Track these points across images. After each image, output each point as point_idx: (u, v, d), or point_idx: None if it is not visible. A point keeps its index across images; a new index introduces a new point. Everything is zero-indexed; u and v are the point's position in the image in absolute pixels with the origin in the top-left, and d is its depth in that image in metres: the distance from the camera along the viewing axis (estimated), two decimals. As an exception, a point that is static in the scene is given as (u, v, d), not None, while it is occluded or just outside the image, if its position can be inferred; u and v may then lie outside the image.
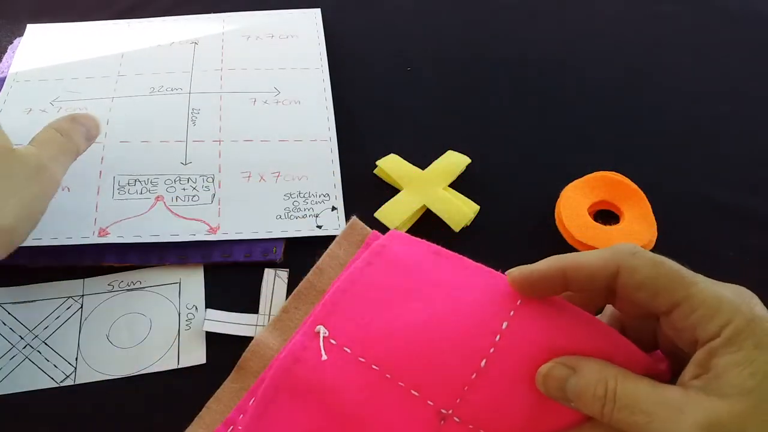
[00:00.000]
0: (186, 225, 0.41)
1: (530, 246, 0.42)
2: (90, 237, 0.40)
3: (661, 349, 0.29)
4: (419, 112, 0.51)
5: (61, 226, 0.40)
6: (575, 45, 0.58)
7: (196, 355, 0.36)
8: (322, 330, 0.29)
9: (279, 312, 0.37)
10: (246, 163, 0.45)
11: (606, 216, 0.44)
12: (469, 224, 0.43)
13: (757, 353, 0.22)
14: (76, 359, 0.36)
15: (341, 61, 0.54)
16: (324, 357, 0.29)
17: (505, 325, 0.28)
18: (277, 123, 0.47)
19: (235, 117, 0.47)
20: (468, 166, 0.46)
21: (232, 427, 0.32)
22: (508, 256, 0.42)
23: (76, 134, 0.39)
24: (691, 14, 0.62)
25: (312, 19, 0.57)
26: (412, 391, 0.28)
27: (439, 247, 0.32)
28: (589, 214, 0.43)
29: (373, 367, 0.28)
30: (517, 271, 0.29)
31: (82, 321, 0.38)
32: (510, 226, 0.43)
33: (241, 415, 0.32)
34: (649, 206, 0.42)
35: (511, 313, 0.28)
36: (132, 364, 0.36)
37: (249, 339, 0.36)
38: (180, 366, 0.36)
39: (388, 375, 0.28)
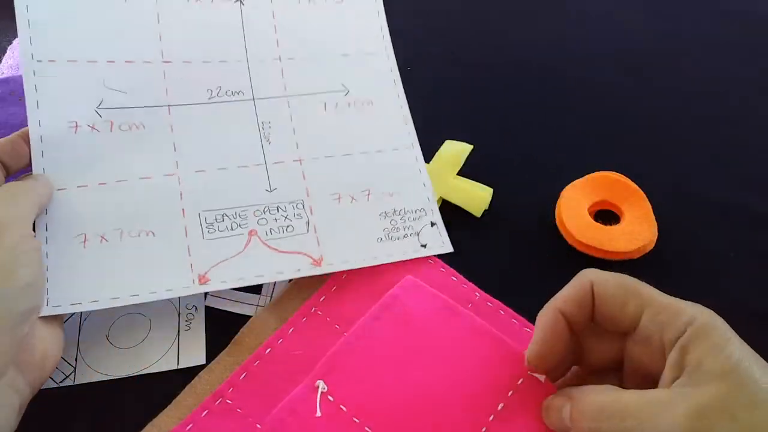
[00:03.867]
0: (288, 260, 0.38)
1: (530, 247, 0.42)
2: (191, 286, 0.36)
3: (627, 372, 0.29)
4: (418, 113, 0.50)
5: (157, 277, 0.36)
6: (575, 45, 0.58)
7: (195, 356, 0.36)
8: (321, 385, 0.30)
9: (281, 293, 0.38)
10: (333, 183, 0.41)
11: (606, 216, 0.44)
12: (488, 207, 0.44)
13: (726, 341, 0.24)
14: (76, 359, 0.36)
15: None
16: (318, 414, 0.30)
17: (500, 406, 0.29)
18: (354, 131, 0.44)
19: (309, 128, 0.43)
20: (468, 168, 0.46)
21: (220, 399, 0.33)
22: (509, 257, 0.42)
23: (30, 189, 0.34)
24: (691, 14, 0.62)
25: None
26: None
27: (452, 302, 0.32)
28: (589, 214, 0.43)
29: (366, 429, 0.29)
30: (532, 356, 0.29)
31: (82, 321, 0.38)
32: (510, 227, 0.43)
33: (231, 389, 0.33)
34: (649, 206, 0.42)
35: (510, 393, 0.29)
36: (132, 364, 0.36)
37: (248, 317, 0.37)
38: (180, 366, 0.36)
39: None
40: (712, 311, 0.26)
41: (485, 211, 0.44)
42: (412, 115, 0.49)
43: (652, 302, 0.27)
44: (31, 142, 0.37)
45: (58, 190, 0.37)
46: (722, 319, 0.26)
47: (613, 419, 0.25)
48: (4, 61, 0.53)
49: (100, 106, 0.39)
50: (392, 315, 0.31)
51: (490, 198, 0.44)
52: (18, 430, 0.32)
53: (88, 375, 0.36)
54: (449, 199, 0.44)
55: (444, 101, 0.53)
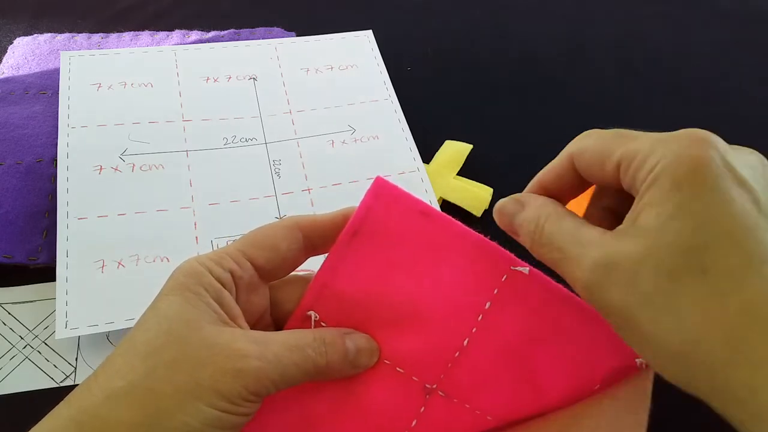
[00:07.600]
0: None
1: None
2: None
3: None
4: (418, 113, 0.51)
5: None
6: (575, 45, 0.58)
7: (196, 355, 0.36)
8: (313, 315, 0.29)
9: None
10: (341, 206, 0.41)
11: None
12: (488, 207, 0.44)
13: (672, 193, 0.20)
14: (76, 359, 0.36)
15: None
16: None
17: (488, 305, 0.28)
18: (361, 161, 0.46)
19: (318, 162, 0.46)
20: (468, 168, 0.46)
21: None
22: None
23: (334, 352, 0.27)
24: (690, 14, 0.62)
25: (366, 44, 0.55)
26: (398, 368, 0.28)
27: (427, 205, 0.31)
28: (589, 214, 0.43)
29: None
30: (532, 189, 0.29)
31: (82, 321, 0.38)
32: (510, 226, 0.43)
33: None
34: (649, 206, 0.42)
35: (495, 291, 0.28)
36: (132, 364, 0.36)
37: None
38: (180, 366, 0.36)
39: None
40: (696, 146, 0.21)
41: (485, 211, 0.44)
42: (412, 115, 0.49)
43: (627, 152, 0.23)
44: (57, 182, 0.41)
45: (79, 219, 0.40)
46: (696, 159, 0.20)
47: (544, 245, 0.24)
48: (4, 61, 0.53)
49: (123, 154, 0.44)
50: (369, 229, 0.30)
51: (490, 198, 0.44)
52: (18, 431, 0.32)
53: (88, 375, 0.35)
54: (449, 199, 0.44)
55: (444, 101, 0.53)
